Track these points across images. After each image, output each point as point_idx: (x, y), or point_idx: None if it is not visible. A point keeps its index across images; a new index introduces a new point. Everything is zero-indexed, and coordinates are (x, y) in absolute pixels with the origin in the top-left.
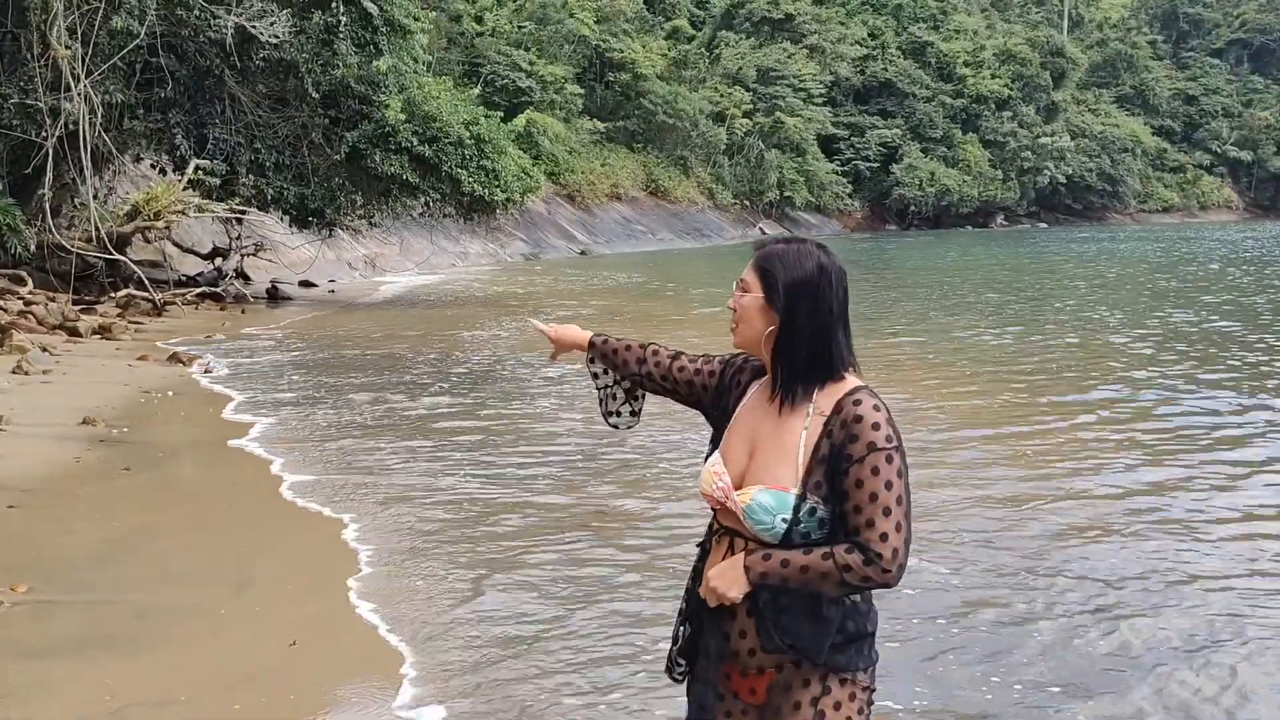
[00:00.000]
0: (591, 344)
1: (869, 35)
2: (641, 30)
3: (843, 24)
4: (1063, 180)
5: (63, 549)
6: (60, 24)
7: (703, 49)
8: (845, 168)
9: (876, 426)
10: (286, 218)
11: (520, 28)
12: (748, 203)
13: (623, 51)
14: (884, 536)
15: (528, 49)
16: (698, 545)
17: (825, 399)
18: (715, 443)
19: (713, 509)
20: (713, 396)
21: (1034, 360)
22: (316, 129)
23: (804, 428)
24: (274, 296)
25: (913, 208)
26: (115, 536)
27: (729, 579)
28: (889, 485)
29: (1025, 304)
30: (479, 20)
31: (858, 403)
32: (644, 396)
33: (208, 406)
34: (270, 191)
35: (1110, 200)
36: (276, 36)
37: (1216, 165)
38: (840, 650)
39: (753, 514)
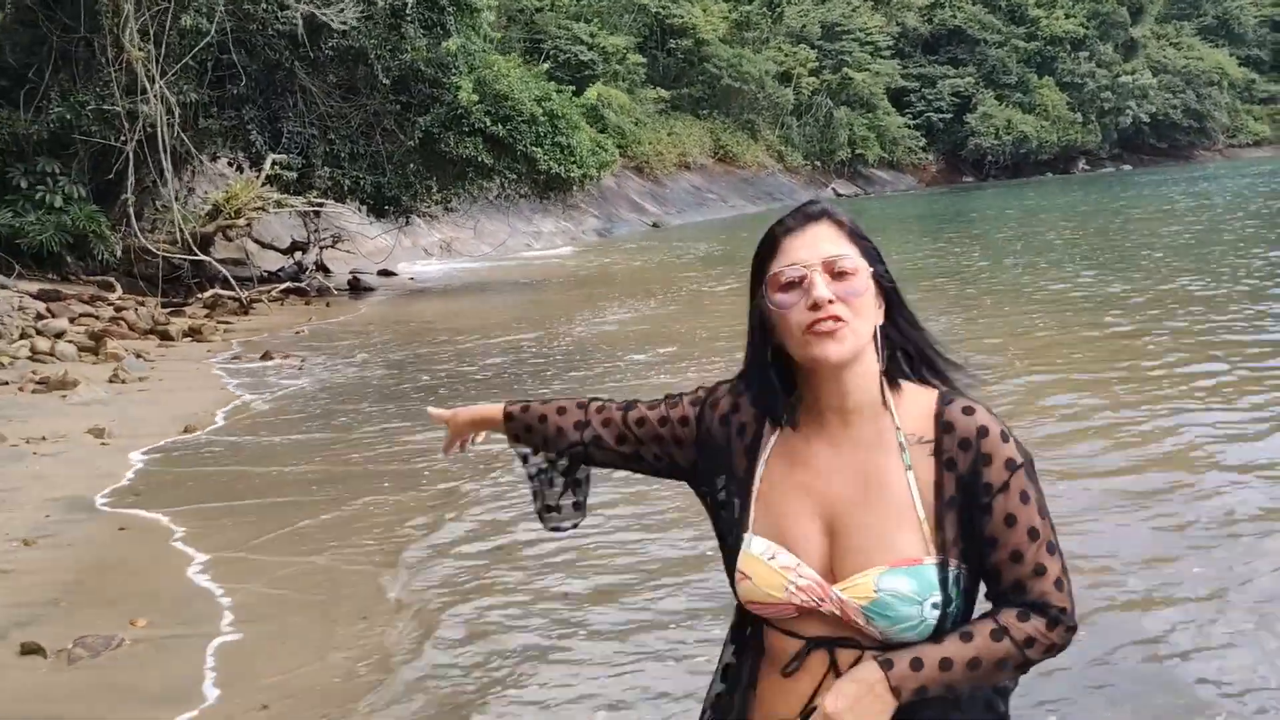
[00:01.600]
0: (508, 416)
1: None
2: None
3: None
4: (1146, 120)
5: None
6: (132, 26)
7: (764, 8)
8: (918, 120)
9: (1005, 438)
10: (363, 207)
11: (579, 0)
12: (819, 163)
13: (683, 17)
14: (1059, 584)
15: (588, 21)
16: (719, 677)
17: (911, 418)
18: (736, 523)
19: (764, 619)
20: (695, 452)
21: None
22: (389, 116)
23: (907, 466)
24: (356, 288)
25: (989, 157)
26: None
27: (868, 707)
28: (1043, 512)
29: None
30: None
31: (970, 411)
32: (589, 479)
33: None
34: (346, 182)
35: (1197, 137)
36: (345, 23)
37: None
38: None
39: (886, 610)
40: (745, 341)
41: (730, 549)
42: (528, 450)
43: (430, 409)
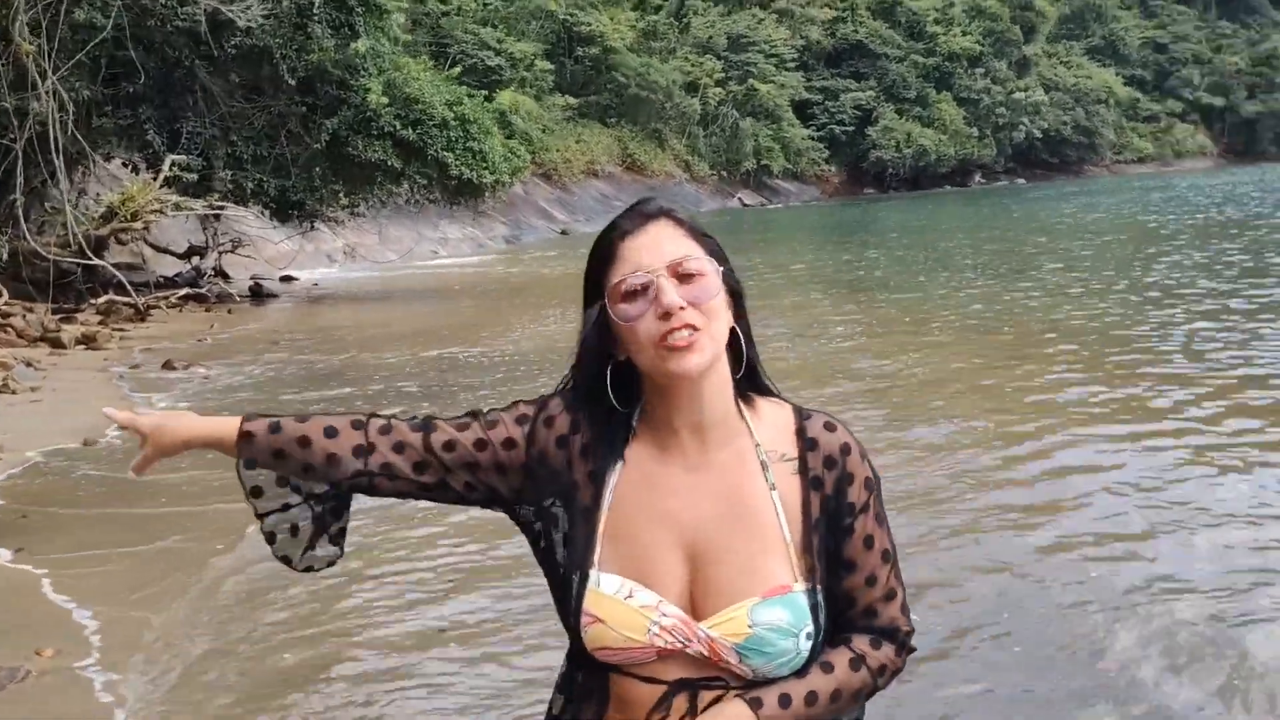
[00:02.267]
0: (245, 435)
1: None
2: (609, 2)
3: None
4: (1038, 135)
5: None
6: (22, 18)
7: (671, 18)
8: (821, 133)
9: (863, 456)
10: (266, 211)
11: (486, 5)
12: (725, 173)
13: (590, 25)
14: (905, 608)
15: (495, 27)
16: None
17: (770, 434)
18: (579, 560)
19: (611, 666)
20: (521, 479)
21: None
22: (294, 117)
23: (771, 486)
24: (258, 294)
25: (890, 170)
26: None
27: None
28: (890, 533)
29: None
30: (443, 0)
31: (831, 428)
32: (349, 508)
33: None
34: (249, 185)
35: (1086, 153)
36: (254, 21)
37: (1189, 113)
38: None
39: (762, 646)
40: (578, 354)
41: (567, 589)
42: (264, 481)
43: (109, 410)
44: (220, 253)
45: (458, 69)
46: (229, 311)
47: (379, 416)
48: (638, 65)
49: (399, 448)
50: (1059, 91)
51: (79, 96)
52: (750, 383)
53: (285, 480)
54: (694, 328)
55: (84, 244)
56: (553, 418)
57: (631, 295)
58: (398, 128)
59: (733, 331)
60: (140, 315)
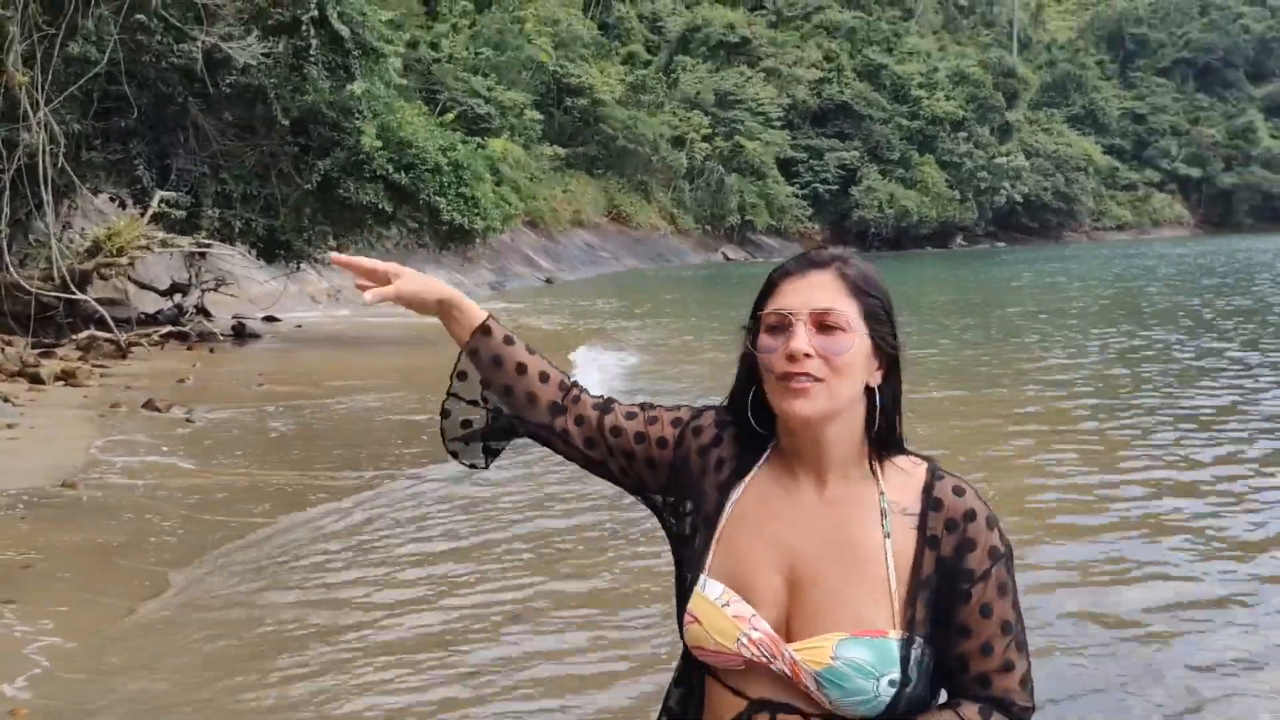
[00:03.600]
0: (486, 330)
1: (824, 58)
2: (598, 55)
3: (798, 47)
4: (1019, 200)
5: None
6: (16, 49)
7: (660, 73)
8: (805, 190)
9: (991, 525)
10: (253, 251)
11: (478, 54)
12: (709, 227)
13: (580, 76)
14: (1024, 682)
15: (486, 75)
16: None
17: (898, 488)
18: (694, 562)
19: (709, 667)
20: (665, 476)
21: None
22: (286, 158)
23: (885, 535)
24: (241, 334)
25: (873, 229)
26: None
27: None
28: (1016, 606)
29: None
30: (435, 46)
31: (960, 491)
32: (513, 440)
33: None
34: (237, 224)
35: (1065, 219)
36: (255, 59)
37: (1167, 183)
38: None
39: (840, 680)
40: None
41: (681, 586)
42: (475, 376)
43: (337, 255)
44: (204, 291)
45: (450, 115)
46: (211, 351)
47: (578, 384)
48: (625, 118)
49: (580, 420)
50: (1040, 158)
51: (69, 129)
52: (886, 442)
53: (487, 384)
54: (815, 377)
55: (67, 278)
56: (701, 428)
57: (772, 330)
58: (390, 171)
59: (873, 392)
60: (122, 352)
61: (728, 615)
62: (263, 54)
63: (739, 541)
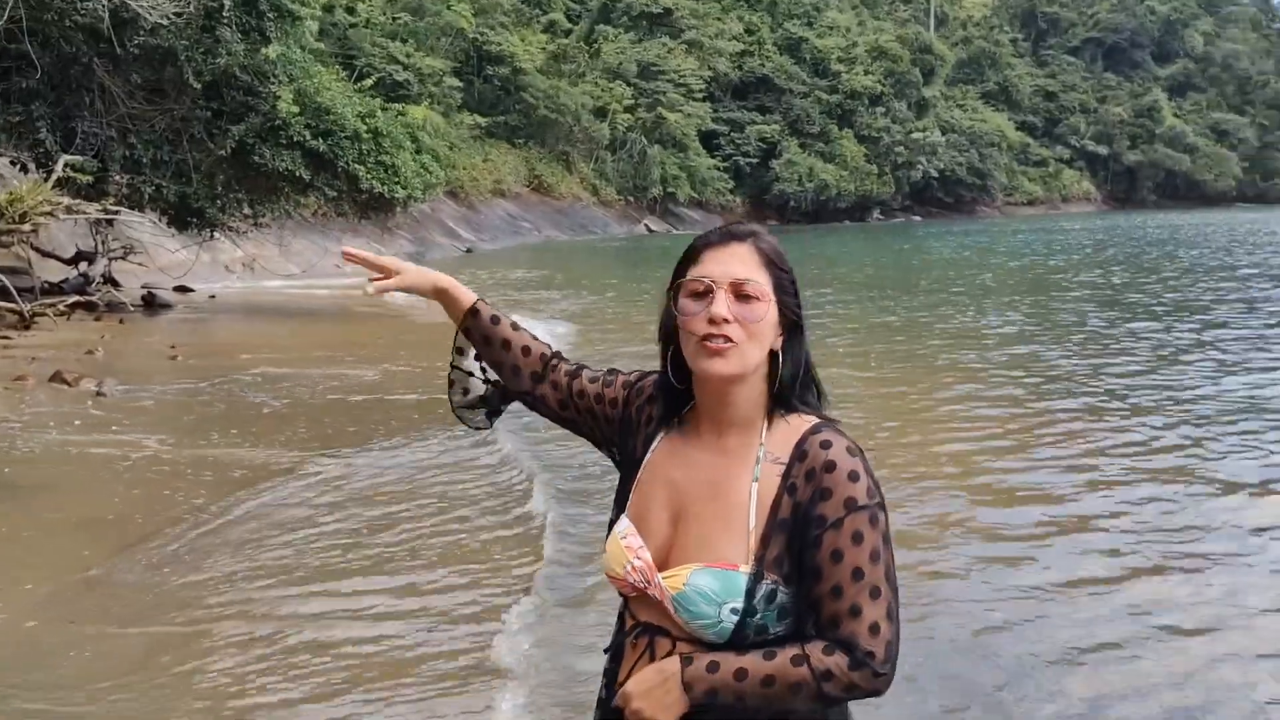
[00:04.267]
0: (475, 312)
1: (745, 31)
2: (519, 23)
3: (720, 19)
4: (935, 175)
5: None
6: None
7: (581, 43)
8: (726, 163)
9: (855, 477)
10: (164, 218)
11: (395, 19)
12: (632, 198)
13: (501, 44)
14: (874, 628)
15: (404, 41)
16: (605, 651)
17: (778, 440)
18: (621, 502)
19: (623, 596)
20: (615, 432)
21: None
22: (198, 122)
23: (754, 480)
24: (151, 304)
25: (792, 203)
26: None
27: (658, 698)
28: (875, 556)
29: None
30: (351, 11)
31: (827, 445)
32: (509, 404)
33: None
34: (147, 190)
35: (979, 193)
36: (164, 18)
37: (1076, 159)
38: None
39: (688, 604)
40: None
41: (612, 522)
42: (471, 355)
43: (348, 249)
44: (111, 259)
45: (369, 81)
46: (120, 322)
47: (558, 353)
48: (547, 87)
49: (555, 386)
50: (955, 133)
51: None
52: (784, 400)
53: (480, 357)
54: (730, 340)
55: None
56: (643, 389)
57: (693, 295)
58: (308, 138)
59: (775, 355)
60: (25, 323)
61: (621, 545)
62: (173, 14)
63: (647, 485)
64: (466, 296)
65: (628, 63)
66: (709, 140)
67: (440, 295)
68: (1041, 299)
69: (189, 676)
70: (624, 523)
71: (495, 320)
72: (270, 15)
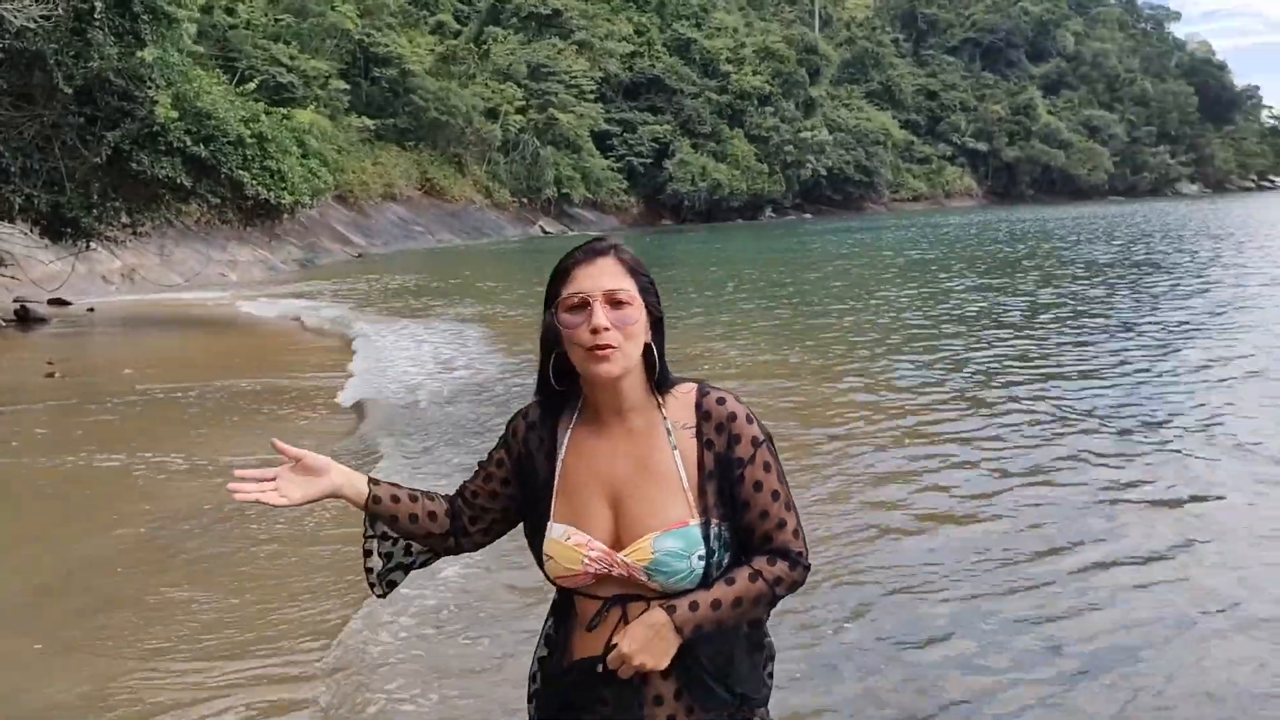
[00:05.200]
0: (376, 499)
1: (635, 32)
2: (406, 24)
3: (609, 20)
4: (823, 173)
5: None
6: None
7: (470, 44)
8: (620, 164)
9: (750, 420)
10: (35, 229)
11: (277, 20)
12: (526, 200)
13: (388, 45)
14: (796, 533)
15: (287, 43)
16: (542, 643)
17: (676, 410)
18: (542, 515)
19: (572, 590)
20: (516, 485)
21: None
22: (70, 129)
23: (673, 447)
24: (24, 318)
25: (686, 202)
26: None
27: (655, 647)
28: (780, 477)
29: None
30: (231, 12)
31: (722, 401)
32: (414, 569)
33: None
34: (17, 200)
35: (867, 191)
36: (31, 20)
37: (958, 156)
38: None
39: (662, 568)
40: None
41: (535, 538)
42: (380, 534)
43: (277, 441)
44: None
45: (252, 85)
46: None
47: (446, 496)
48: (436, 89)
49: (468, 520)
50: (842, 132)
51: None
52: (662, 380)
53: (394, 539)
54: (612, 346)
55: None
56: (517, 427)
57: (572, 309)
58: (188, 143)
59: (649, 346)
60: None
61: (570, 546)
62: (40, 16)
63: (570, 487)
64: (360, 492)
65: (518, 64)
66: (602, 141)
67: (342, 494)
68: (927, 288)
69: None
70: (558, 529)
71: (395, 499)
72: (145, 17)
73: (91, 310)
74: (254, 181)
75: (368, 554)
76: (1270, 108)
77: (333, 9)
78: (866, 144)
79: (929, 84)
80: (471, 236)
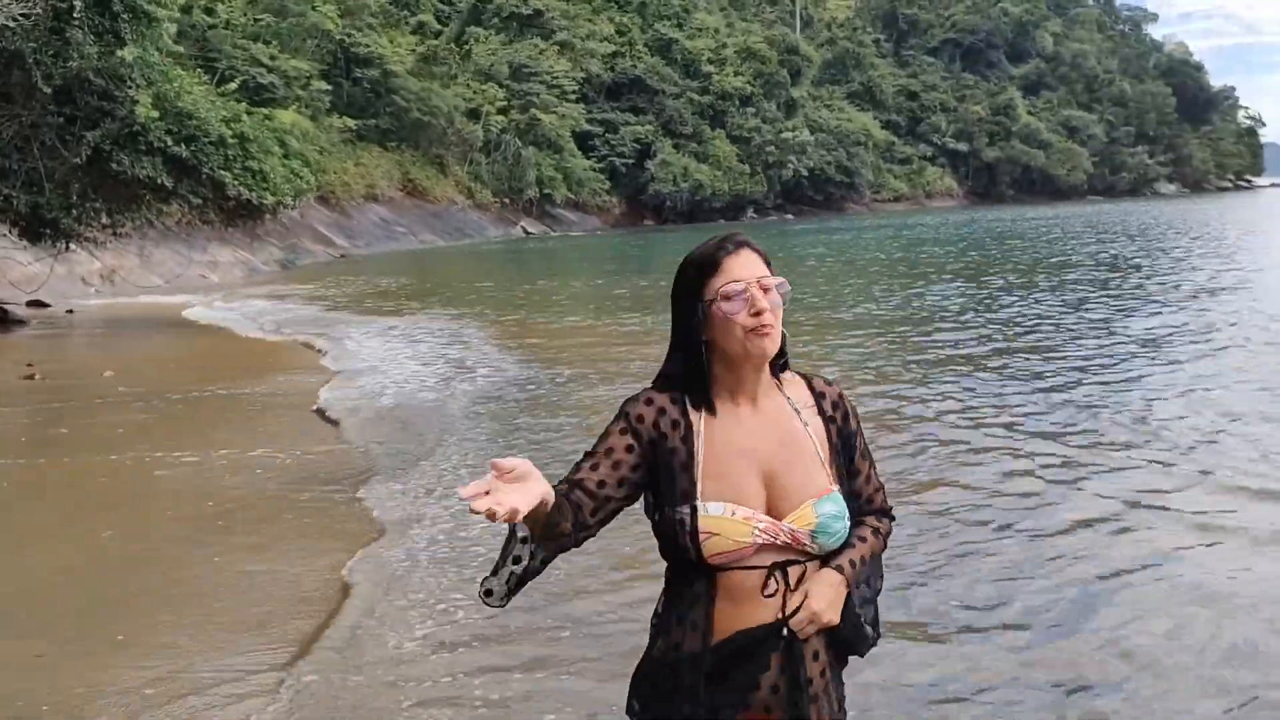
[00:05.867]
0: (558, 504)
1: (616, 32)
2: (387, 24)
3: (590, 20)
4: (805, 173)
5: None
6: None
7: (452, 44)
8: (602, 164)
9: (845, 397)
10: (14, 230)
11: (257, 20)
12: (508, 200)
13: (369, 46)
14: (883, 491)
15: (267, 43)
16: (673, 630)
17: (795, 394)
18: (686, 497)
19: (718, 567)
20: (646, 471)
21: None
22: (49, 129)
23: (804, 424)
24: (3, 320)
25: (668, 203)
26: None
27: (837, 603)
28: (867, 443)
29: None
30: (210, 12)
31: (829, 383)
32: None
33: None
34: None
35: (848, 191)
36: (10, 19)
37: (938, 156)
38: None
39: (827, 529)
40: (670, 352)
41: (681, 524)
42: (531, 546)
43: (499, 460)
44: None
45: (233, 85)
46: None
47: (566, 493)
48: (418, 89)
49: (594, 510)
50: (823, 133)
51: None
52: (781, 363)
53: (536, 547)
54: (771, 326)
55: None
56: (642, 415)
57: (729, 297)
58: (169, 143)
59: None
60: None
61: (738, 520)
62: (19, 15)
63: (719, 468)
64: (550, 493)
65: (499, 64)
66: (584, 141)
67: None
68: (911, 283)
69: None
70: (717, 506)
71: (568, 498)
72: (124, 16)
73: (71, 312)
74: (236, 182)
75: (516, 560)
76: (1246, 108)
77: (313, 9)
78: (848, 144)
79: (910, 84)
80: (454, 237)
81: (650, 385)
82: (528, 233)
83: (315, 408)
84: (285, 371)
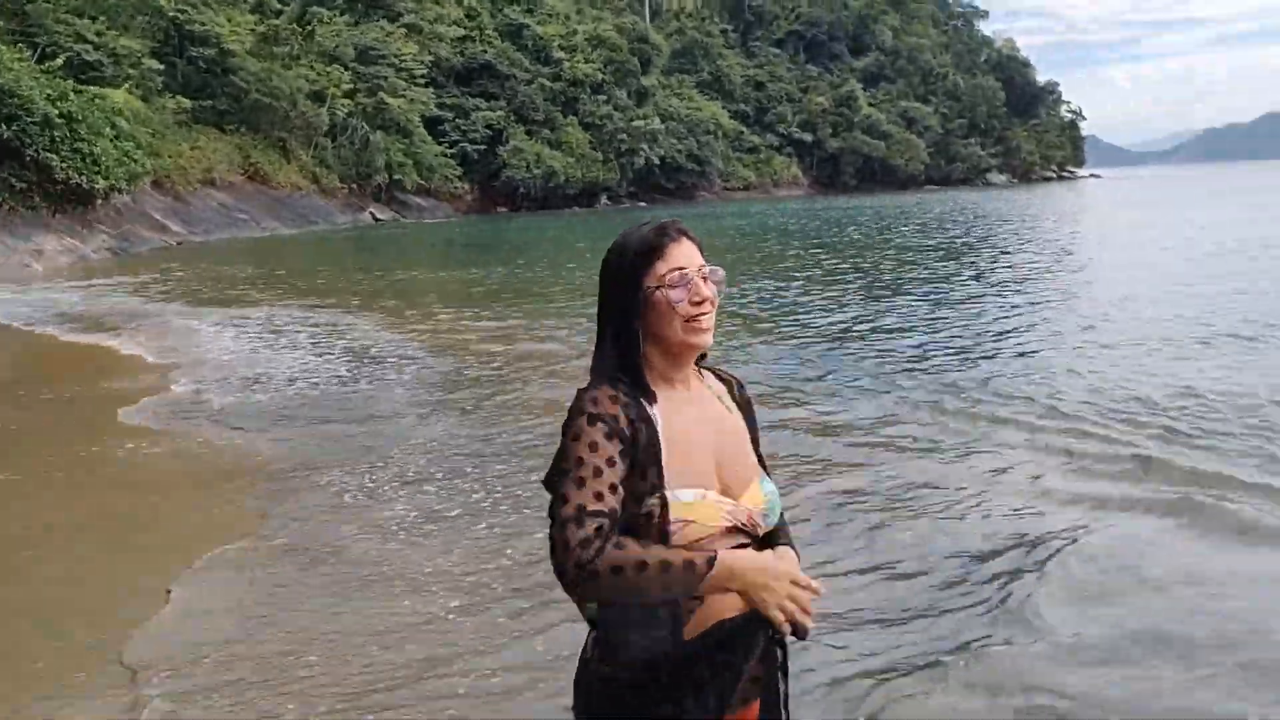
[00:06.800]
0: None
1: (466, 16)
2: (224, 2)
3: (438, 3)
4: (657, 161)
5: None
6: None
7: (294, 24)
8: (453, 150)
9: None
10: None
11: None
12: (355, 186)
13: (204, 24)
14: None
15: (93, 18)
16: (652, 625)
17: (712, 381)
18: (646, 492)
19: (692, 546)
20: (629, 463)
21: None
22: None
23: (728, 410)
24: None
25: (521, 189)
26: None
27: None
28: None
29: None
30: None
31: (731, 374)
32: None
33: None
34: None
35: (699, 179)
36: None
37: (785, 146)
38: None
39: (772, 509)
40: (601, 341)
41: (647, 514)
42: None
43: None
44: None
45: (57, 62)
46: None
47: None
48: (258, 70)
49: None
50: (674, 121)
51: None
52: (701, 354)
53: None
54: (709, 314)
55: None
56: (615, 396)
57: (674, 285)
58: None
59: None
60: None
61: (709, 503)
62: None
63: (681, 452)
64: None
65: (345, 46)
66: (434, 126)
67: None
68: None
69: None
70: (688, 493)
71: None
72: None
73: None
74: (64, 165)
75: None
76: (1069, 103)
77: None
78: (698, 133)
79: (756, 75)
80: (299, 224)
81: (590, 382)
82: (377, 219)
83: (160, 398)
84: (121, 370)
